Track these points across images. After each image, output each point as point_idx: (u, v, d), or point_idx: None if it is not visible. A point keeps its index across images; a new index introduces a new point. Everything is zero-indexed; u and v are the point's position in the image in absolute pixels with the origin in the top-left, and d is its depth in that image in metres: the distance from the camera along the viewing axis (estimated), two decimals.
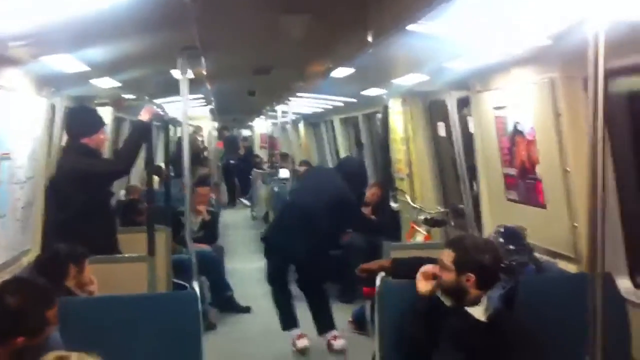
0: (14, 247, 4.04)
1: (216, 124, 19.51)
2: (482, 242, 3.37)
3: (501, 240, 3.66)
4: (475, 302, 3.16)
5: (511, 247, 3.63)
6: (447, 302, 3.23)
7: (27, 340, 2.56)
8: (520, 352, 3.06)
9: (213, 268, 6.83)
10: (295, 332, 5.92)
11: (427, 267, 3.30)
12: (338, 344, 5.81)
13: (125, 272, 4.25)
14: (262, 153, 19.33)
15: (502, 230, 3.73)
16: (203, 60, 4.50)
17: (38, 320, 2.59)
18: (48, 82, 4.37)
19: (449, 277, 3.17)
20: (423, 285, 3.27)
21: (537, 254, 3.93)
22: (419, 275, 3.30)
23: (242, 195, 16.69)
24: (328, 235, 5.89)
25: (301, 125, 15.16)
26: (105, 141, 4.84)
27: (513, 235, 3.72)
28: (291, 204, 6.11)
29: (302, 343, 5.86)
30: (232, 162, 17.12)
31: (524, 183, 4.36)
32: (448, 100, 5.78)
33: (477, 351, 3.07)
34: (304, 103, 10.21)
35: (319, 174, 6.88)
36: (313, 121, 13.94)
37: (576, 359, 2.30)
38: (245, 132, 23.41)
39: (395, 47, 3.90)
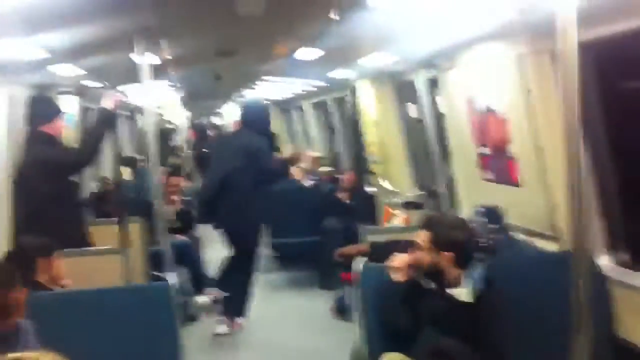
0: None
1: (188, 113, 19.30)
2: (455, 219, 3.35)
3: (483, 219, 3.63)
4: (456, 283, 3.12)
5: (492, 226, 3.64)
6: (428, 284, 3.20)
7: None
8: (504, 332, 3.03)
9: (190, 258, 6.72)
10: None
11: (399, 258, 3.23)
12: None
13: (100, 265, 4.15)
14: None
15: (482, 209, 3.71)
16: (164, 43, 4.38)
17: (5, 301, 2.53)
18: (5, 70, 4.22)
19: (426, 257, 3.15)
20: (397, 277, 3.21)
21: (513, 233, 3.90)
22: (391, 267, 3.23)
23: None
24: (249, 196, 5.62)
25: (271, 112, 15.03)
26: (63, 128, 4.73)
27: (494, 214, 3.70)
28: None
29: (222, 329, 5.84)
30: (204, 150, 16.94)
31: (498, 162, 4.32)
32: (417, 80, 5.71)
33: (462, 332, 3.03)
34: (272, 88, 10.08)
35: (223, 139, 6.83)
36: (283, 107, 13.83)
37: (560, 338, 2.25)
38: (216, 120, 23.18)
39: (360, 25, 3.83)
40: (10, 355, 1.74)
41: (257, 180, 5.55)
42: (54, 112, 4.62)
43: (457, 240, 3.10)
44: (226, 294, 5.87)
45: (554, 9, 1.95)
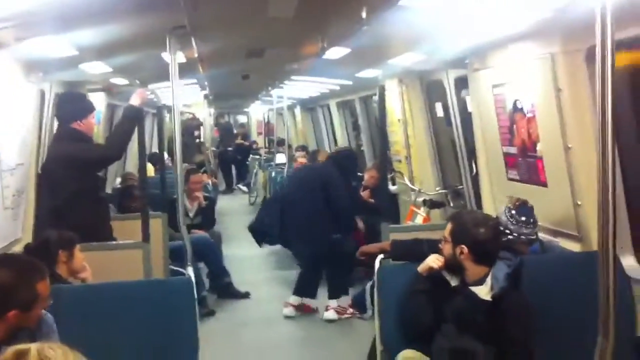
0: (4, 235, 3.96)
1: (212, 111, 19.40)
2: (481, 216, 3.35)
3: (513, 212, 3.62)
4: (480, 282, 3.11)
5: (523, 218, 3.63)
6: (453, 281, 3.21)
7: (20, 314, 2.50)
8: (526, 331, 3.01)
9: (210, 254, 6.77)
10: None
11: (435, 258, 3.30)
12: (328, 314, 6.14)
13: (121, 259, 4.19)
14: (259, 139, 19.26)
15: (515, 203, 3.71)
16: (194, 42, 4.39)
17: (29, 292, 2.53)
18: (36, 67, 4.26)
19: (446, 249, 3.21)
20: (432, 260, 3.26)
21: (540, 233, 3.87)
22: (428, 265, 3.28)
23: (238, 182, 16.64)
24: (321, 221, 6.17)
25: (298, 110, 15.06)
26: (93, 126, 4.76)
27: (526, 209, 3.71)
28: (280, 199, 6.73)
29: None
30: (229, 149, 17.05)
31: (525, 161, 4.29)
32: (445, 79, 5.69)
33: (482, 331, 3.02)
34: (299, 87, 10.11)
35: (307, 169, 7.49)
36: (309, 106, 13.85)
37: (583, 338, 2.23)
38: (242, 119, 23.31)
39: (390, 24, 3.81)
40: (18, 346, 1.74)
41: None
42: (87, 109, 4.65)
43: (475, 236, 3.12)
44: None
45: (593, 8, 1.92)
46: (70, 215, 4.23)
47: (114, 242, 4.50)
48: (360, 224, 6.89)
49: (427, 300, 3.21)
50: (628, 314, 3.28)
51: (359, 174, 8.09)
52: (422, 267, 3.29)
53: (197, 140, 15.71)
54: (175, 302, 3.43)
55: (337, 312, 6.16)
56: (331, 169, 6.36)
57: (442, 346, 3.10)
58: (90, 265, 3.75)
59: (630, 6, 2.40)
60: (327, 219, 6.17)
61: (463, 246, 3.13)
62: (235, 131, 19.37)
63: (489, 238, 3.13)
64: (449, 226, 3.23)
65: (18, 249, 4.09)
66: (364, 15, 3.51)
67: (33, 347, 1.70)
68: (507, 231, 3.63)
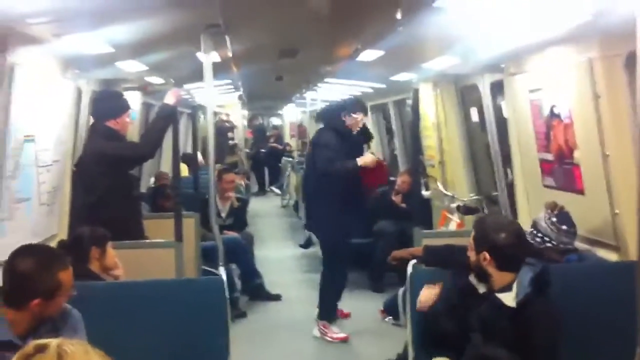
0: (40, 231, 4.01)
1: (246, 112, 19.46)
2: (503, 221, 3.30)
3: (554, 219, 3.61)
4: (507, 289, 3.05)
5: (564, 227, 3.61)
6: (480, 289, 3.15)
7: (43, 303, 2.52)
8: (551, 340, 2.94)
9: (241, 255, 6.78)
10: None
11: (427, 293, 3.36)
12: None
13: (154, 258, 4.21)
14: (292, 142, 19.28)
15: (555, 210, 3.67)
16: (228, 40, 4.40)
17: (50, 280, 2.54)
18: (72, 64, 4.31)
19: (472, 256, 3.15)
20: (426, 294, 3.32)
21: (576, 242, 3.81)
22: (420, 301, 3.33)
23: (271, 184, 16.68)
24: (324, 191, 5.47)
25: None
26: (129, 124, 4.79)
27: (566, 216, 3.69)
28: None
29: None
30: (262, 151, 17.11)
31: (561, 169, 4.21)
32: (481, 83, 5.62)
33: (506, 338, 2.96)
34: (333, 90, 10.09)
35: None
36: None
37: (620, 349, 2.17)
38: (275, 121, 23.38)
39: (425, 26, 3.77)
40: (39, 341, 1.74)
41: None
42: (122, 107, 4.68)
43: (495, 242, 3.05)
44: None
45: (634, 13, 1.87)
46: (102, 212, 4.26)
47: (146, 241, 4.53)
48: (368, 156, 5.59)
49: (453, 310, 3.18)
50: None
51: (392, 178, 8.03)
52: (419, 307, 3.35)
53: (231, 142, 15.77)
54: (206, 302, 3.43)
55: (320, 331, 5.80)
56: (320, 128, 5.70)
57: (468, 354, 3.05)
58: (122, 263, 3.78)
59: None
60: (323, 195, 5.45)
61: (485, 252, 3.06)
62: (268, 133, 19.43)
63: (509, 243, 3.05)
64: (473, 232, 3.18)
65: (53, 244, 4.14)
66: (398, 16, 3.48)
67: (54, 341, 1.70)
68: (547, 238, 3.59)
